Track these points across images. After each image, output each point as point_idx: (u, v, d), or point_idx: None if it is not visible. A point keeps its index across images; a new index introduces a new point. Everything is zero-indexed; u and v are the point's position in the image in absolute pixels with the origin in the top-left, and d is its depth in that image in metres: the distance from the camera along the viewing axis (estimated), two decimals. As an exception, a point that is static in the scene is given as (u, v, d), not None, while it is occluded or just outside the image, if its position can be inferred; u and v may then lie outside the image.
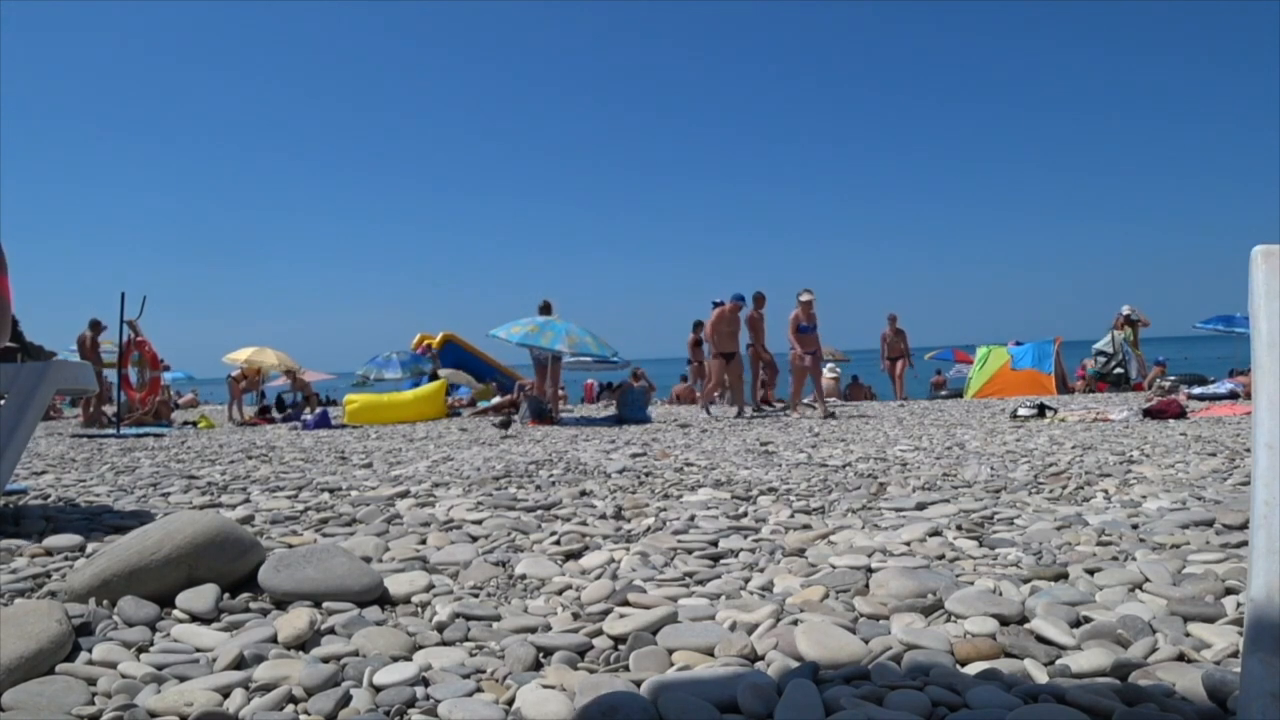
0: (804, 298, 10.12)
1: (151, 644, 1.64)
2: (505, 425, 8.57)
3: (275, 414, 12.90)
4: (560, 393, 12.33)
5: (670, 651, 1.58)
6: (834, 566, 2.18)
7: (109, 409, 11.00)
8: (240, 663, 1.52)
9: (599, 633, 1.69)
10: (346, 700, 1.37)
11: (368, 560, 2.29)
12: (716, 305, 10.74)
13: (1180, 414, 7.42)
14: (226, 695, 1.38)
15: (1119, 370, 13.55)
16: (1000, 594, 1.88)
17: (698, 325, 13.61)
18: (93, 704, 1.37)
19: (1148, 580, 1.96)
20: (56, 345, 9.81)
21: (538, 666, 1.54)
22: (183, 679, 1.46)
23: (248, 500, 3.52)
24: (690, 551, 2.42)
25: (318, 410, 10.98)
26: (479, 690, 1.42)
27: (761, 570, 2.19)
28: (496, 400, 12.23)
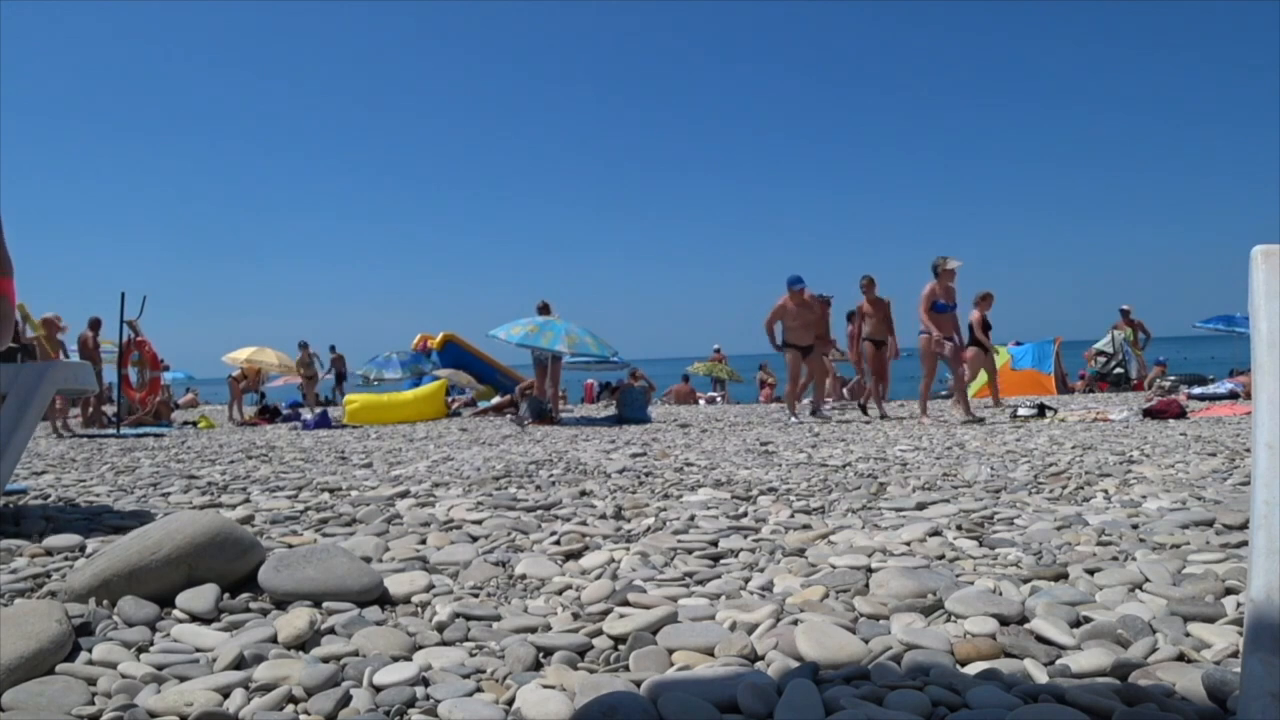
0: (951, 265, 8.12)
1: (151, 644, 1.64)
2: (534, 420, 8.68)
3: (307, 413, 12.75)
4: (561, 393, 12.32)
5: (670, 651, 1.58)
6: (834, 566, 2.18)
7: (109, 409, 11.01)
8: (240, 663, 1.52)
9: (599, 633, 1.69)
10: (346, 700, 1.37)
11: (368, 560, 2.29)
12: (825, 296, 9.95)
13: (1180, 414, 7.42)
14: (226, 695, 1.38)
15: (1119, 370, 13.56)
16: (1000, 594, 1.88)
17: (853, 316, 11.59)
18: (93, 704, 1.37)
19: (1148, 580, 1.96)
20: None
21: (538, 666, 1.54)
22: (183, 679, 1.46)
23: (248, 500, 3.52)
24: (690, 551, 2.42)
25: (318, 410, 10.99)
26: (479, 690, 1.42)
27: (761, 570, 2.19)
28: (496, 400, 12.24)
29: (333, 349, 18.80)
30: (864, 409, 9.75)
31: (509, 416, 10.39)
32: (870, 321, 9.48)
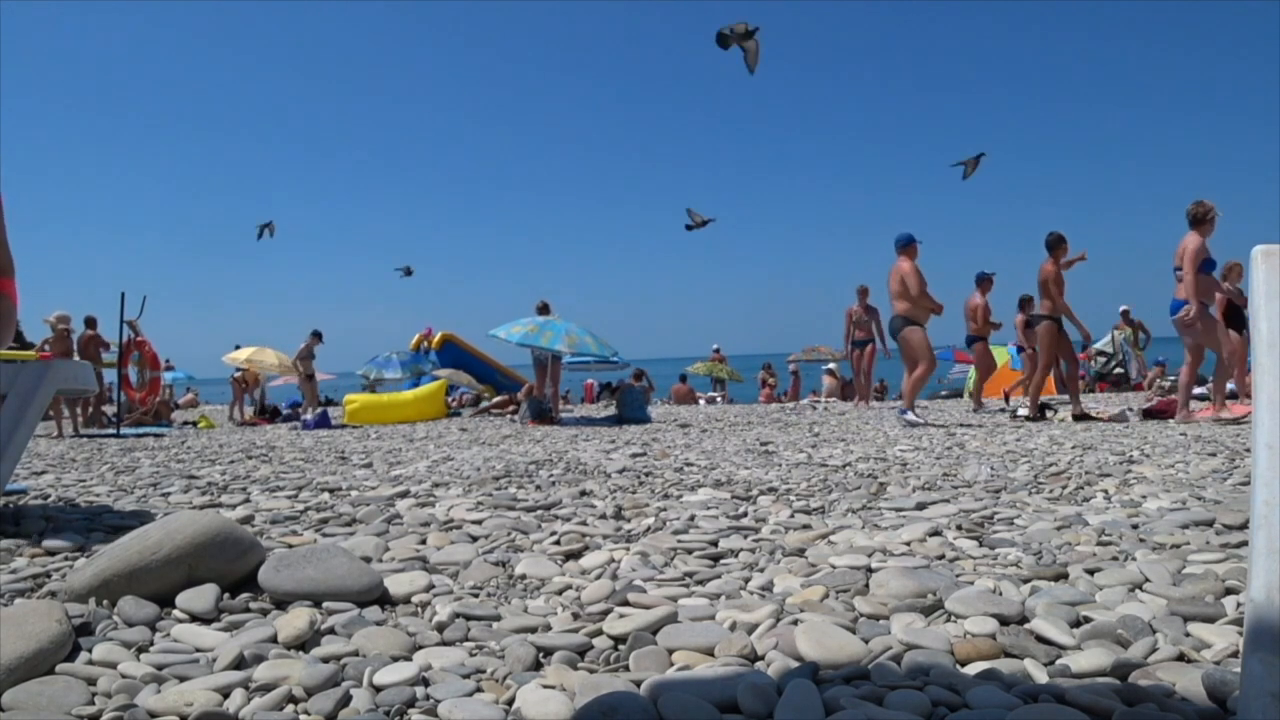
0: (1197, 210, 6.36)
1: (151, 644, 1.64)
2: (534, 420, 8.72)
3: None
4: (564, 395, 12.33)
5: (670, 651, 1.58)
6: (834, 566, 2.18)
7: (109, 409, 11.01)
8: (240, 663, 1.52)
9: (599, 633, 1.69)
10: (346, 700, 1.37)
11: (368, 560, 2.29)
12: (982, 278, 9.60)
13: (1180, 414, 7.41)
14: (226, 695, 1.38)
15: (1119, 370, 13.57)
16: (1000, 594, 1.88)
17: (1023, 302, 10.81)
18: (93, 704, 1.37)
19: (1148, 580, 1.96)
20: (56, 345, 9.80)
21: (538, 666, 1.54)
22: (183, 679, 1.46)
23: (248, 500, 3.52)
24: (690, 551, 2.42)
25: (318, 410, 11.00)
26: (479, 690, 1.42)
27: (761, 570, 2.19)
28: (497, 399, 12.25)
29: (237, 348, 18.40)
30: (1042, 411, 7.95)
31: (509, 416, 10.43)
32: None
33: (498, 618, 1.80)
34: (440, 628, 1.74)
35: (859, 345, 11.02)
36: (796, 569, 2.18)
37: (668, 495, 3.48)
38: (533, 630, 1.72)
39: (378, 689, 1.41)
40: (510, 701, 1.37)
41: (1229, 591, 1.86)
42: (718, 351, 19.60)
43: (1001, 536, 2.51)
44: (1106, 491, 3.29)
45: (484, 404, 12.39)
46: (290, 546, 2.47)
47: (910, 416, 7.22)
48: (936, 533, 2.58)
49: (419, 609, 1.90)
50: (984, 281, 9.90)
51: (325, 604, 1.86)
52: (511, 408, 11.20)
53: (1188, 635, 1.61)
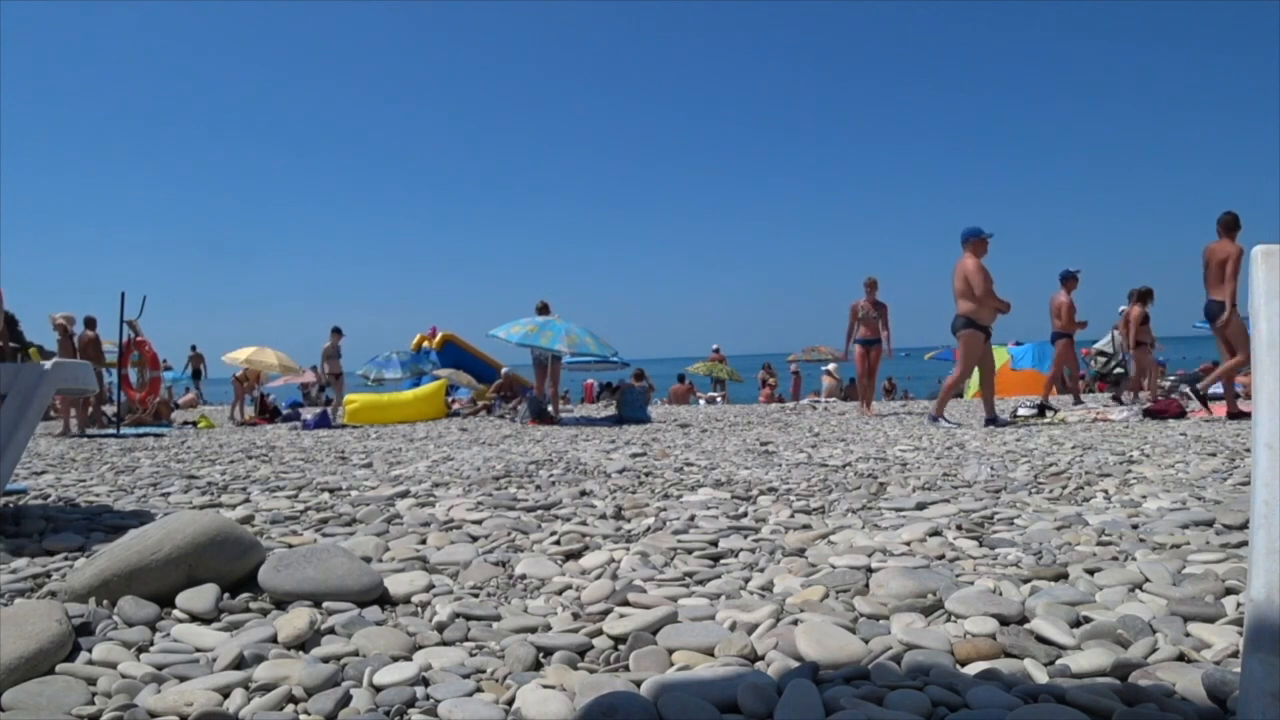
0: None
1: (151, 644, 1.65)
2: (534, 420, 8.72)
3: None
4: (563, 394, 12.30)
5: (670, 651, 1.58)
6: (834, 566, 2.18)
7: (109, 409, 11.01)
8: (240, 663, 1.52)
9: (599, 633, 1.69)
10: (346, 700, 1.37)
11: (368, 560, 2.29)
12: (1067, 276, 9.35)
13: (1180, 414, 7.42)
14: (226, 695, 1.38)
15: (1119, 370, 13.56)
16: (1000, 594, 1.88)
17: (1143, 295, 10.45)
18: (93, 704, 1.37)
19: (1148, 580, 1.96)
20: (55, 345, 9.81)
21: (538, 666, 1.54)
22: (183, 679, 1.46)
23: (248, 500, 3.52)
24: (690, 551, 2.42)
25: (318, 410, 11.00)
26: (479, 690, 1.42)
27: (761, 570, 2.19)
28: (480, 405, 12.20)
29: (193, 348, 18.71)
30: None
31: (484, 412, 10.53)
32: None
33: (498, 618, 1.80)
34: (440, 628, 1.74)
35: (865, 344, 9.69)
36: (796, 569, 2.18)
37: (668, 495, 3.48)
38: (533, 630, 1.72)
39: (378, 689, 1.41)
40: (510, 701, 1.37)
41: (1229, 591, 1.86)
42: (718, 351, 19.59)
43: (1001, 536, 2.50)
44: (1106, 491, 3.29)
45: (471, 408, 12.31)
46: (290, 546, 2.47)
47: (944, 423, 7.19)
48: (936, 533, 2.58)
49: (419, 609, 1.90)
50: (1069, 279, 9.71)
51: (325, 604, 1.86)
52: (489, 397, 11.29)
53: (1188, 635, 1.61)
